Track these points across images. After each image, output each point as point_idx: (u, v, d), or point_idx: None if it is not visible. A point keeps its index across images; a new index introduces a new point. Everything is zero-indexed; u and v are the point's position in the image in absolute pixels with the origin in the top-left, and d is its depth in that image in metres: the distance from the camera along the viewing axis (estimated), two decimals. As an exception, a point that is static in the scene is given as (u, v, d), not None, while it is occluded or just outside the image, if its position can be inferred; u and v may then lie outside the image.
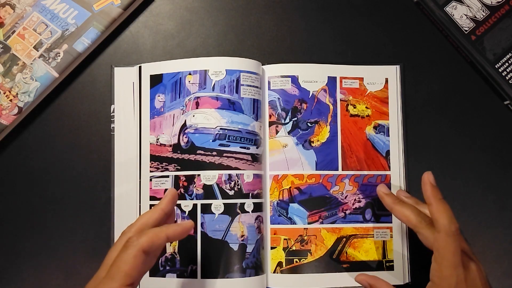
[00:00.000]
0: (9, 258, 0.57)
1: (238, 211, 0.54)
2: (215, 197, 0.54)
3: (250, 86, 0.56)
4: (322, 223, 0.57)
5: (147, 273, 0.55)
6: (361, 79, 0.59)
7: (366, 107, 0.59)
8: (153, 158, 0.56)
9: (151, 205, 0.56)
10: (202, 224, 0.54)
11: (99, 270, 0.45)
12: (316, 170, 0.57)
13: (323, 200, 0.57)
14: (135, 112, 0.58)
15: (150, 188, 0.56)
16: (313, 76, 0.59)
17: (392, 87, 0.59)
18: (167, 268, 0.55)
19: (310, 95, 0.58)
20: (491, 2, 0.59)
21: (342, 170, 0.58)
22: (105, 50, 0.60)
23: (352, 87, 0.59)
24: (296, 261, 0.56)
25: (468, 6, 0.59)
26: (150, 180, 0.56)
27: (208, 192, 0.54)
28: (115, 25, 0.59)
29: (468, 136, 0.59)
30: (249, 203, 0.54)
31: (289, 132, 0.57)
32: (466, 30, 0.59)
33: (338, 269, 0.56)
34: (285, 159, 0.57)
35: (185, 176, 0.55)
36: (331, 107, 0.58)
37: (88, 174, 0.58)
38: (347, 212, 0.57)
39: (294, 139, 0.57)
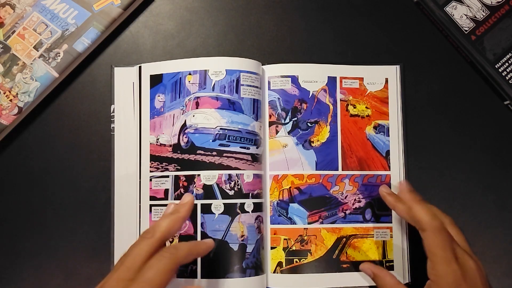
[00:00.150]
0: (9, 258, 0.57)
1: (238, 211, 0.54)
2: (215, 197, 0.54)
3: (250, 86, 0.56)
4: (322, 223, 0.57)
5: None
6: (361, 79, 0.59)
7: (366, 107, 0.59)
8: (153, 158, 0.56)
9: (151, 205, 0.56)
10: (202, 224, 0.54)
11: (120, 270, 0.42)
12: (316, 170, 0.57)
13: (323, 200, 0.57)
14: (135, 112, 0.58)
15: (150, 188, 0.56)
16: (313, 76, 0.59)
17: (392, 87, 0.59)
18: (167, 268, 0.55)
19: (310, 95, 0.58)
20: (491, 2, 0.59)
21: (342, 170, 0.58)
22: (105, 50, 0.60)
23: (352, 87, 0.59)
24: (296, 261, 0.56)
25: (468, 6, 0.59)
26: (150, 180, 0.56)
27: (208, 192, 0.54)
28: (115, 25, 0.59)
29: (468, 136, 0.59)
30: (249, 203, 0.54)
31: (289, 132, 0.57)
32: (466, 30, 0.59)
33: (338, 269, 0.56)
34: (285, 159, 0.57)
35: (185, 176, 0.55)
36: (331, 107, 0.58)
37: (88, 174, 0.58)
38: (347, 212, 0.57)
39: (294, 139, 0.57)
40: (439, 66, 0.60)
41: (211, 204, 0.54)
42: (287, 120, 0.58)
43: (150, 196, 0.56)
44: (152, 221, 0.56)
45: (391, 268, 0.56)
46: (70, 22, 0.58)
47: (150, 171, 0.56)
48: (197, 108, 0.56)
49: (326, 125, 0.58)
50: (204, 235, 0.54)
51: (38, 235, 0.57)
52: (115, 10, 0.58)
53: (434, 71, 0.60)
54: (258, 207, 0.55)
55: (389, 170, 0.58)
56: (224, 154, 0.54)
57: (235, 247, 0.53)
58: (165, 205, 0.53)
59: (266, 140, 0.57)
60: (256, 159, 0.55)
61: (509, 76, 0.58)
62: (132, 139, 0.58)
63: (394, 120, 0.59)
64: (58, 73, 0.57)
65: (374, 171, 0.58)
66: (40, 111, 0.59)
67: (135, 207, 0.56)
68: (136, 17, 0.61)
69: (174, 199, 0.55)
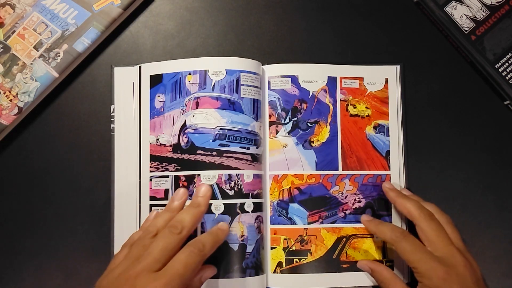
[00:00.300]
0: (9, 258, 0.57)
1: (238, 211, 0.54)
2: (215, 197, 0.54)
3: (250, 86, 0.56)
4: (322, 223, 0.57)
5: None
6: (361, 79, 0.59)
7: (366, 107, 0.59)
8: (153, 158, 0.56)
9: (151, 205, 0.56)
10: (202, 224, 0.54)
11: (148, 261, 0.43)
12: (316, 170, 0.57)
13: (323, 200, 0.57)
14: (135, 112, 0.58)
15: (150, 188, 0.56)
16: (313, 76, 0.59)
17: (392, 87, 0.59)
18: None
19: (310, 95, 0.58)
20: (491, 2, 0.59)
21: (342, 170, 0.58)
22: (105, 50, 0.60)
23: (352, 87, 0.59)
24: (296, 261, 0.56)
25: (468, 6, 0.59)
26: (150, 180, 0.56)
27: (208, 192, 0.54)
28: (115, 25, 0.59)
29: (468, 136, 0.59)
30: (249, 203, 0.54)
31: (289, 132, 0.57)
32: (466, 30, 0.59)
33: (338, 269, 0.56)
34: (285, 159, 0.57)
35: (185, 176, 0.55)
36: (331, 107, 0.58)
37: (88, 174, 0.58)
38: (347, 212, 0.57)
39: (294, 139, 0.57)
40: (439, 66, 0.60)
41: (211, 204, 0.54)
42: (287, 120, 0.58)
43: (150, 196, 0.56)
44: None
45: (391, 268, 0.56)
46: (70, 22, 0.58)
47: (150, 171, 0.56)
48: (197, 108, 0.56)
49: (326, 125, 0.58)
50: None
51: (38, 235, 0.57)
52: (115, 10, 0.58)
53: (434, 71, 0.60)
54: (258, 207, 0.55)
55: (389, 170, 0.58)
56: (224, 154, 0.54)
57: (235, 247, 0.53)
58: (165, 205, 0.53)
59: (266, 140, 0.57)
60: (256, 159, 0.55)
61: (509, 76, 0.58)
62: (132, 139, 0.58)
63: (394, 120, 0.59)
64: (58, 73, 0.57)
65: (374, 171, 0.58)
66: (40, 111, 0.59)
67: (135, 207, 0.56)
68: (136, 17, 0.61)
69: (174, 199, 0.55)
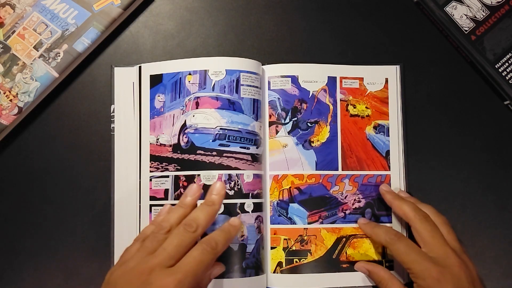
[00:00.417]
0: (9, 258, 0.57)
1: (238, 211, 0.54)
2: (215, 197, 0.54)
3: (250, 86, 0.56)
4: (322, 223, 0.57)
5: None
6: (361, 79, 0.59)
7: (366, 107, 0.59)
8: (153, 158, 0.56)
9: (151, 205, 0.56)
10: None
11: (162, 256, 0.43)
12: (316, 170, 0.57)
13: (323, 200, 0.57)
14: (135, 112, 0.58)
15: (150, 188, 0.56)
16: (313, 76, 0.59)
17: (392, 87, 0.59)
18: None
19: (310, 95, 0.58)
20: (491, 2, 0.59)
21: (342, 170, 0.58)
22: (105, 50, 0.60)
23: (352, 87, 0.59)
24: (296, 261, 0.56)
25: (468, 6, 0.59)
26: (150, 180, 0.56)
27: (208, 192, 0.54)
28: (115, 25, 0.59)
29: (468, 136, 0.59)
30: (249, 203, 0.54)
31: (289, 132, 0.57)
32: (466, 30, 0.59)
33: (338, 269, 0.56)
34: (285, 159, 0.57)
35: (185, 176, 0.55)
36: (331, 107, 0.58)
37: (88, 174, 0.58)
38: (347, 212, 0.57)
39: (294, 139, 0.57)
40: (439, 66, 0.60)
41: (211, 204, 0.54)
42: (287, 120, 0.58)
43: (150, 196, 0.56)
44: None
45: (391, 268, 0.56)
46: (70, 22, 0.58)
47: (150, 171, 0.56)
48: (197, 108, 0.56)
49: (326, 125, 0.58)
50: (204, 235, 0.54)
51: (38, 235, 0.57)
52: (115, 10, 0.58)
53: (434, 71, 0.60)
54: (258, 207, 0.55)
55: (389, 170, 0.58)
56: (224, 154, 0.54)
57: (235, 247, 0.53)
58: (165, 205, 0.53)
59: (266, 140, 0.57)
60: (256, 159, 0.55)
61: (509, 76, 0.58)
62: (132, 139, 0.58)
63: (394, 120, 0.59)
64: (58, 73, 0.57)
65: (374, 171, 0.58)
66: (40, 111, 0.59)
67: (135, 207, 0.57)
68: (136, 17, 0.61)
69: (174, 199, 0.55)
